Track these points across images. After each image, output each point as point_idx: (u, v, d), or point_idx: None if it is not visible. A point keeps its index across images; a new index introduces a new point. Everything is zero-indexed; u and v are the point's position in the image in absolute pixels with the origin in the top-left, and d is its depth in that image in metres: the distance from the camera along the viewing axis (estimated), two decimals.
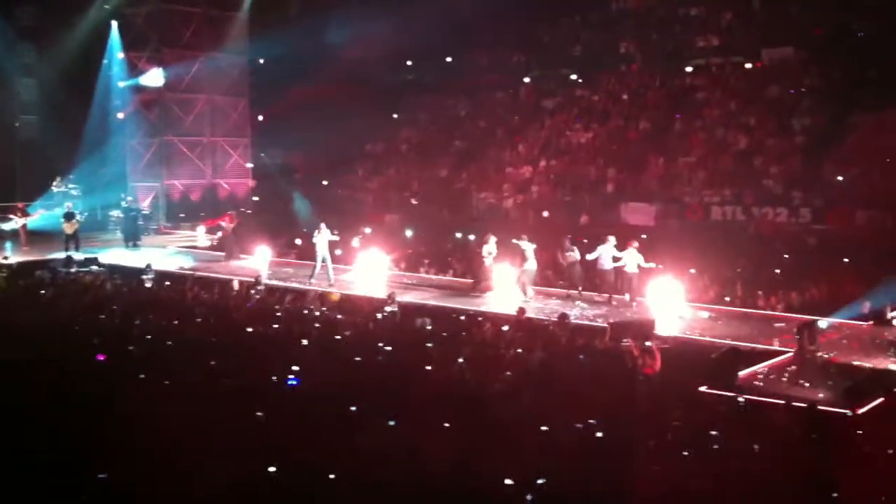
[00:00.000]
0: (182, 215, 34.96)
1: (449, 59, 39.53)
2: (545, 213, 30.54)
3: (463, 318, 17.15)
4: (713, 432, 10.38)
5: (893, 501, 8.88)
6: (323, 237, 21.87)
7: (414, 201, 33.43)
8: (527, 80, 38.42)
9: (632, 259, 19.27)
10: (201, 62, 34.94)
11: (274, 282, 21.76)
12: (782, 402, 11.95)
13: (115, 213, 32.74)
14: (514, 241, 20.43)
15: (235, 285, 20.01)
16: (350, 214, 31.90)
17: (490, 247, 20.67)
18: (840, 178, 27.06)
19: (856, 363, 14.72)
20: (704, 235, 25.81)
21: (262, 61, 37.10)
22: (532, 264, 19.94)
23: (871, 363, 14.77)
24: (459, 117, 38.90)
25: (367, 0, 36.52)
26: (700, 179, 29.48)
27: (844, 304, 17.94)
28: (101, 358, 12.89)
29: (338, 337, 15.15)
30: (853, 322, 17.47)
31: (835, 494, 8.63)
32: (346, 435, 10.14)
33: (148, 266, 21.55)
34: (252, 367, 12.81)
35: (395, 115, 40.15)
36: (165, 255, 27.35)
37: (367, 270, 22.46)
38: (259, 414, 10.78)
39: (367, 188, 36.78)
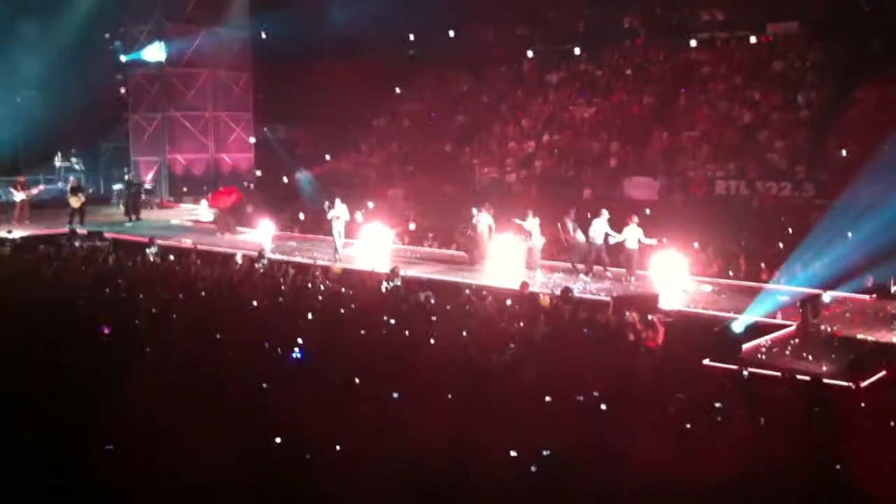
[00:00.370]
0: (185, 189, 34.97)
1: (452, 34, 39.31)
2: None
3: (466, 291, 17.16)
4: (717, 405, 10.40)
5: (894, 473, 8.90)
6: (339, 212, 21.88)
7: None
8: (530, 54, 38.22)
9: (632, 234, 19.27)
10: (203, 36, 34.77)
11: (278, 256, 21.79)
12: (785, 374, 11.99)
13: (118, 187, 32.73)
14: (518, 220, 20.47)
15: (239, 259, 20.04)
16: (353, 189, 31.86)
17: (482, 218, 20.90)
18: (844, 152, 26.97)
19: (859, 336, 14.77)
20: (708, 210, 25.78)
21: (264, 35, 36.88)
22: (538, 240, 20.00)
23: (873, 336, 14.81)
24: (462, 92, 38.75)
25: None
26: (704, 154, 29.39)
27: (848, 278, 17.99)
28: (106, 331, 12.91)
29: (342, 310, 15.15)
30: (856, 295, 17.52)
31: (837, 466, 8.65)
32: (348, 407, 10.15)
33: (152, 240, 21.58)
34: (254, 341, 12.81)
35: (398, 90, 39.99)
36: (169, 228, 27.38)
37: (370, 244, 22.48)
38: (264, 385, 10.79)
39: (369, 163, 36.71)
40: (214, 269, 18.87)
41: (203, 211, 31.01)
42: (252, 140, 37.47)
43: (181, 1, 34.22)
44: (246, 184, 34.73)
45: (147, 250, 20.88)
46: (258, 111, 37.55)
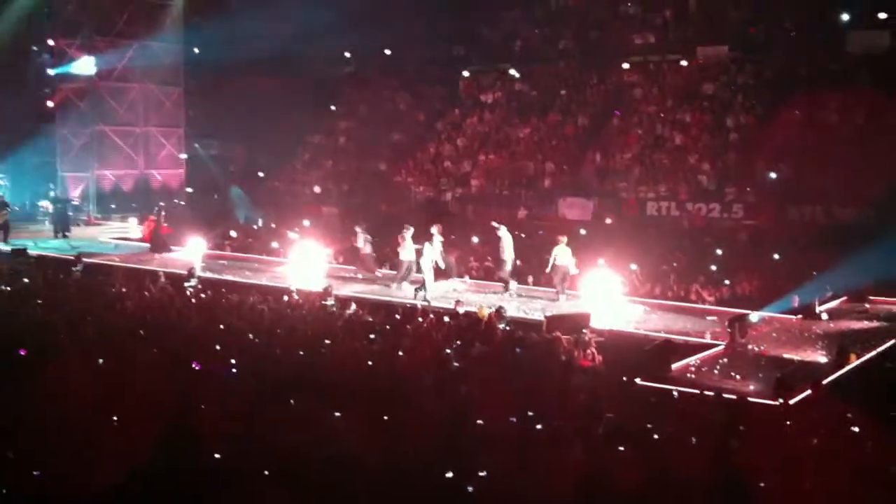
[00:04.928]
0: (113, 206, 34.24)
1: (388, 52, 39.35)
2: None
3: (400, 311, 17.08)
4: (647, 424, 10.47)
5: (817, 487, 9.04)
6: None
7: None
8: (466, 73, 38.44)
9: (562, 254, 19.38)
10: (135, 50, 34.17)
11: (208, 274, 21.44)
12: (713, 393, 12.13)
13: (44, 203, 31.91)
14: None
15: (163, 278, 19.50)
16: (287, 207, 31.63)
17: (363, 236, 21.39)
18: (772, 174, 27.62)
19: (785, 356, 15.05)
20: (640, 230, 26.14)
21: (196, 51, 36.41)
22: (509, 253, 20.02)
23: (799, 356, 15.12)
24: (398, 110, 38.77)
25: None
26: (636, 175, 29.84)
27: (775, 298, 18.36)
28: (23, 352, 12.50)
29: (279, 330, 14.92)
30: (783, 315, 17.87)
31: (762, 484, 8.76)
32: (281, 427, 9.98)
33: (78, 257, 21.05)
34: (182, 359, 12.51)
35: (334, 108, 39.84)
36: (96, 246, 26.78)
37: (304, 263, 22.23)
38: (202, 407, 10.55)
39: (304, 181, 36.46)
40: (142, 286, 18.41)
41: (132, 228, 30.38)
42: (183, 156, 36.89)
43: (112, 14, 33.61)
44: (175, 201, 34.12)
45: (73, 268, 20.37)
46: (190, 127, 37.00)
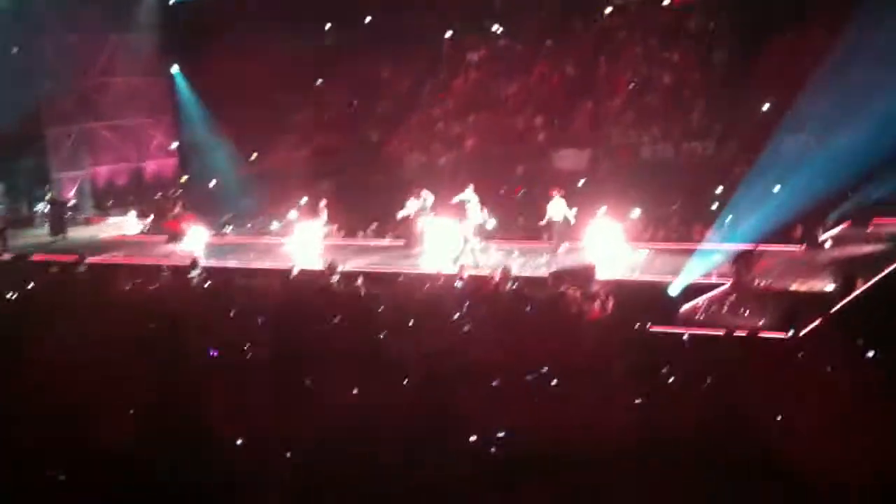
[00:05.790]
0: (110, 202, 34.17)
1: (368, 20, 38.94)
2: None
3: (402, 279, 17.16)
4: (662, 369, 10.54)
5: (835, 418, 9.12)
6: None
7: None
8: (448, 35, 38.04)
9: (557, 208, 19.36)
10: (114, 44, 33.92)
11: (213, 262, 21.47)
12: (723, 332, 12.20)
13: (41, 206, 31.88)
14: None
15: (166, 271, 19.55)
16: (281, 186, 31.57)
17: (413, 204, 20.88)
18: (764, 105, 27.46)
19: (791, 288, 15.11)
20: (637, 174, 26.06)
21: (177, 37, 36.06)
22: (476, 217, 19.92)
23: (806, 286, 15.18)
24: (384, 78, 38.46)
25: None
26: (628, 120, 29.71)
27: (778, 230, 18.38)
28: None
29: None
30: (787, 247, 17.91)
31: (779, 417, 8.84)
32: (302, 406, 10.07)
33: (82, 256, 21.06)
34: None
35: (319, 82, 39.50)
36: (97, 244, 26.82)
37: (305, 241, 22.27)
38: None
39: (295, 158, 36.32)
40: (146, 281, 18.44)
41: (131, 223, 30.38)
42: (174, 145, 36.76)
43: (86, 9, 33.27)
44: (172, 191, 34.03)
45: (76, 269, 20.39)
46: (177, 114, 36.81)
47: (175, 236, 25.76)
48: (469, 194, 19.80)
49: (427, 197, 20.66)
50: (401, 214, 20.85)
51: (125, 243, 27.10)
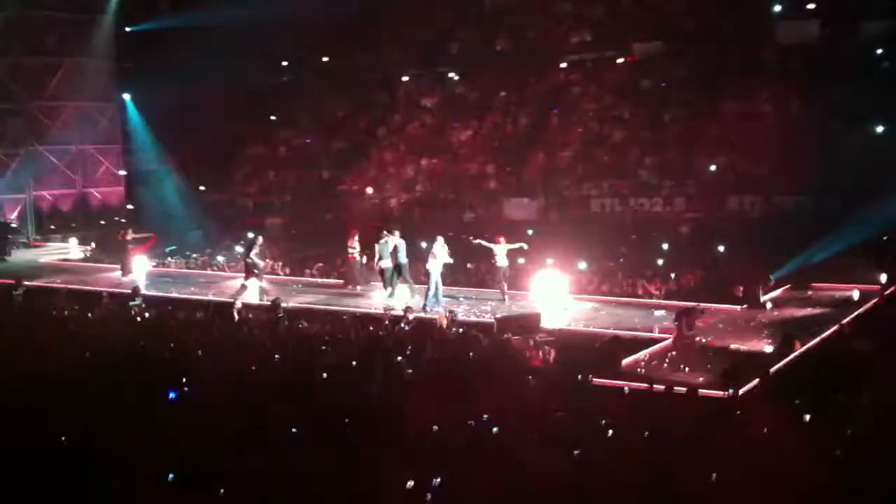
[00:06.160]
0: (53, 227, 33.58)
1: (326, 60, 39.10)
2: None
3: (346, 318, 17.06)
4: (601, 421, 10.55)
5: (769, 476, 9.20)
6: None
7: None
8: (405, 78, 38.34)
9: (502, 253, 19.48)
10: (67, 68, 33.56)
11: (153, 293, 21.13)
12: (663, 387, 12.28)
13: None
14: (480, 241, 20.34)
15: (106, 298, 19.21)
16: (230, 219, 31.34)
17: (355, 243, 21.00)
18: (711, 166, 28.01)
19: (732, 346, 15.28)
20: (585, 227, 26.33)
21: (129, 65, 35.83)
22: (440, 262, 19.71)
23: (746, 346, 15.36)
24: (339, 118, 38.55)
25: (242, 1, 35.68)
26: (579, 173, 30.08)
27: (719, 290, 18.67)
28: None
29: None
30: (728, 306, 18.16)
31: (714, 474, 8.87)
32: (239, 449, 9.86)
33: (19, 282, 20.57)
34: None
35: (273, 117, 39.45)
36: (36, 268, 26.27)
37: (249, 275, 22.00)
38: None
39: (246, 192, 36.12)
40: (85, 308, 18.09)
41: (73, 249, 29.80)
42: (122, 173, 36.32)
43: (42, 32, 32.96)
44: (117, 220, 33.59)
45: (14, 292, 19.90)
46: (127, 142, 36.43)
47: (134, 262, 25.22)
48: (439, 247, 19.59)
49: (391, 240, 20.51)
50: (383, 264, 20.62)
51: (66, 269, 26.54)
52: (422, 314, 17.53)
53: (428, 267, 19.10)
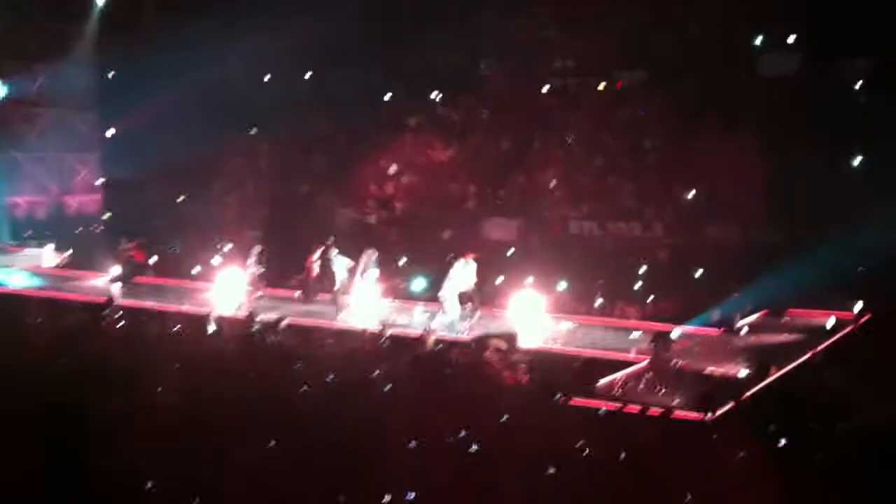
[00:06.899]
0: (27, 233, 33.22)
1: (308, 76, 39.04)
2: None
3: (324, 333, 16.94)
4: (577, 442, 10.50)
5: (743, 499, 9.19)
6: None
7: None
8: (387, 97, 38.32)
9: (466, 272, 19.37)
10: (47, 74, 33.33)
11: (129, 302, 20.93)
12: (638, 409, 12.26)
13: None
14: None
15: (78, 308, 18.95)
16: (208, 231, 31.15)
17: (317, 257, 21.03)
18: (689, 195, 28.19)
19: (707, 370, 15.34)
20: (564, 249, 26.41)
21: (112, 74, 35.61)
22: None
23: (721, 370, 15.43)
24: (320, 134, 38.46)
25: (224, 15, 35.64)
26: (559, 196, 30.18)
27: (696, 314, 18.76)
28: None
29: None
30: (705, 330, 18.24)
31: (688, 498, 8.85)
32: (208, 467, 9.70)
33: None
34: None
35: (254, 131, 39.28)
36: (9, 275, 25.98)
37: (228, 289, 21.88)
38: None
39: (224, 204, 35.91)
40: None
41: (48, 256, 29.52)
42: (100, 181, 36.03)
43: (23, 39, 32.74)
44: (93, 227, 33.31)
45: None
46: (106, 151, 36.15)
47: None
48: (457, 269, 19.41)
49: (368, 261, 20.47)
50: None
51: (40, 275, 26.30)
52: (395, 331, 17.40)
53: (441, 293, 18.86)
